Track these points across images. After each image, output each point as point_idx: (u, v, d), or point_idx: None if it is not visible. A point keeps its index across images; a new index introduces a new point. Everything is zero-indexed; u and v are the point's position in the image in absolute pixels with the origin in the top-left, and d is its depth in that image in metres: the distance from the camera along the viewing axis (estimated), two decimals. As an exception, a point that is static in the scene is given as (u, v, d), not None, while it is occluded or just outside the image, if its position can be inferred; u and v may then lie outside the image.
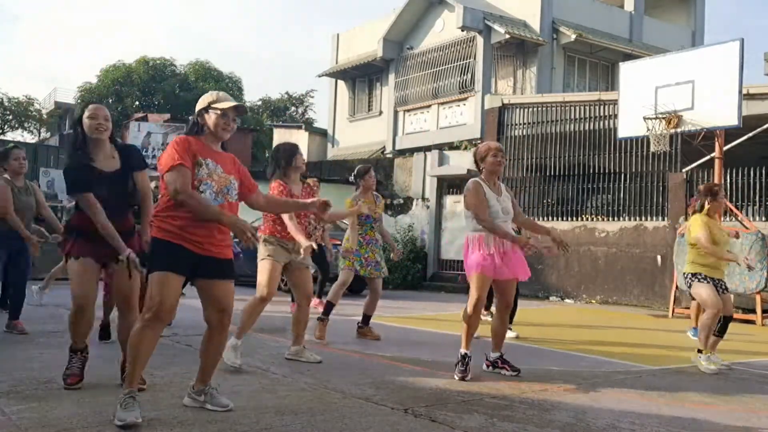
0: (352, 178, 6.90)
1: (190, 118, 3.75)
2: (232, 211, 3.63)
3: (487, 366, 5.10)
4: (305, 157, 26.97)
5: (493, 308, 7.74)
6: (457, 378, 4.71)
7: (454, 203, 16.75)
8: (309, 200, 4.09)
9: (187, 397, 3.71)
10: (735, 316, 10.17)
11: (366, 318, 6.83)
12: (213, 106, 3.60)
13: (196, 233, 3.48)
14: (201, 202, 3.43)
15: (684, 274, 5.91)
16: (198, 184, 3.48)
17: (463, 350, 4.82)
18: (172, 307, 3.46)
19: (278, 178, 5.29)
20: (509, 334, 7.11)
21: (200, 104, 3.67)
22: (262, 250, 5.16)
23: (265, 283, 5.07)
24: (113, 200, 4.07)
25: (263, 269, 5.11)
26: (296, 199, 5.02)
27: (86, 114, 4.15)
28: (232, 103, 3.62)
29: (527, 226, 5.67)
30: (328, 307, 6.59)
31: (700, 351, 5.68)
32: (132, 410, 3.25)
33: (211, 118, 3.60)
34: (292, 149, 5.41)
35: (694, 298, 7.25)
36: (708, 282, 5.68)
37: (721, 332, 5.78)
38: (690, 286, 5.84)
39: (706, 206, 5.85)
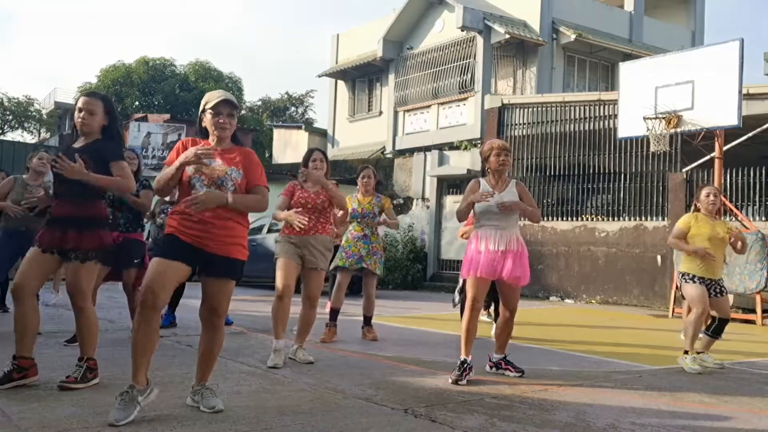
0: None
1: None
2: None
3: (490, 367, 5.08)
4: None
5: (492, 308, 7.78)
6: (449, 381, 4.64)
7: (454, 203, 16.76)
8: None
9: (189, 396, 3.73)
10: (735, 316, 10.26)
11: (366, 319, 6.92)
12: (206, 107, 3.70)
13: (191, 227, 3.55)
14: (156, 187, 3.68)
15: (679, 272, 5.99)
16: (188, 179, 3.59)
17: (462, 356, 4.73)
18: (155, 291, 3.37)
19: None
20: (486, 319, 7.21)
21: (200, 109, 3.78)
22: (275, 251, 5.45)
23: (277, 281, 5.21)
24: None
25: (277, 268, 5.29)
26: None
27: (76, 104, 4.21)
28: (219, 98, 3.65)
29: None
30: (333, 314, 6.66)
31: (686, 352, 5.63)
32: (120, 409, 3.25)
33: (207, 119, 3.69)
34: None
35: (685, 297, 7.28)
36: (696, 282, 5.68)
37: (716, 333, 5.78)
38: (681, 286, 5.93)
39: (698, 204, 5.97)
